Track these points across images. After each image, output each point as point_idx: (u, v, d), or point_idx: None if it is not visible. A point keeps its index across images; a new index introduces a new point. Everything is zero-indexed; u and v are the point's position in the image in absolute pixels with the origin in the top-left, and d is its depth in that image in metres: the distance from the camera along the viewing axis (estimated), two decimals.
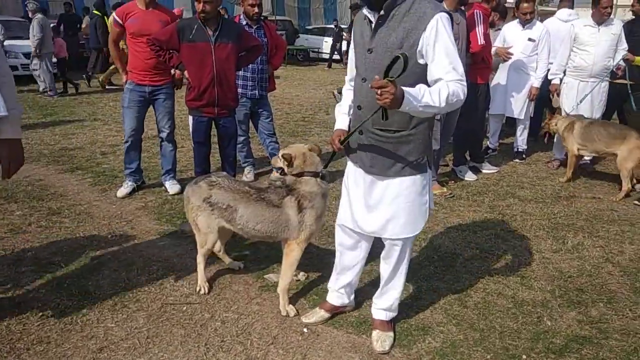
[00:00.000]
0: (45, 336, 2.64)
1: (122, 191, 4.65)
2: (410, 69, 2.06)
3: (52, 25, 10.63)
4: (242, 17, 4.81)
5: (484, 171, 5.69)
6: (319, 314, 2.85)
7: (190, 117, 4.24)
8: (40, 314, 2.82)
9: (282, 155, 2.82)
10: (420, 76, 2.20)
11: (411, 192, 2.42)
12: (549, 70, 5.99)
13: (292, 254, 2.85)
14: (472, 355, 2.58)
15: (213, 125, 4.32)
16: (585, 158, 5.94)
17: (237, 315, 2.88)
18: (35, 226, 3.96)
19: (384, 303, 2.70)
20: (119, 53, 4.74)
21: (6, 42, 11.41)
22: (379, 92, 1.96)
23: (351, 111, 2.54)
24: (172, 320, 2.81)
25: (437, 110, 2.13)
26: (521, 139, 6.33)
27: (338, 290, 2.84)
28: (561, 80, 6.02)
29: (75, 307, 2.90)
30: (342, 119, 2.59)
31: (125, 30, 4.44)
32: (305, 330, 2.75)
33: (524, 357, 2.57)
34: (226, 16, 5.23)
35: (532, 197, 4.90)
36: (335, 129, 2.59)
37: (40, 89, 10.14)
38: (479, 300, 3.08)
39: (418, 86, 2.08)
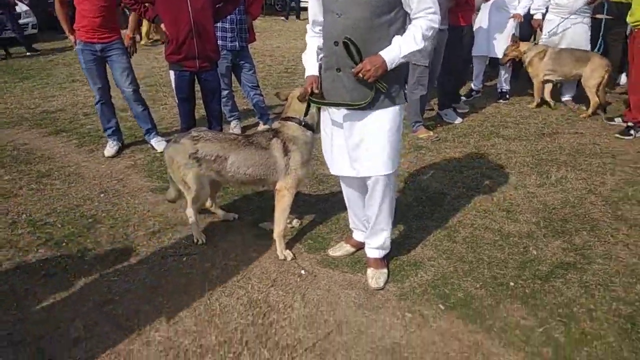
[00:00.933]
0: (50, 293, 2.70)
1: (109, 151, 4.63)
2: None
3: None
4: None
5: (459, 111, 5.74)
6: (345, 248, 2.99)
7: (172, 72, 4.18)
8: (43, 272, 2.88)
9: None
10: (395, 5, 2.32)
11: (392, 126, 2.47)
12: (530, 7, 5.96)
13: (283, 199, 2.94)
14: (462, 284, 2.72)
15: (196, 81, 4.27)
16: (566, 97, 6.03)
17: (236, 263, 2.97)
18: (26, 189, 3.96)
19: (376, 242, 2.79)
20: (65, 12, 4.45)
21: None
22: (361, 74, 2.28)
23: (320, 57, 2.59)
24: (173, 271, 2.90)
25: (421, 49, 2.37)
26: (504, 79, 6.35)
27: (357, 227, 2.97)
28: (544, 15, 6.00)
29: (77, 264, 2.96)
30: (311, 66, 2.62)
31: None
32: (302, 272, 2.86)
33: (512, 284, 2.71)
34: None
35: (516, 136, 4.99)
36: (306, 75, 2.62)
37: None
38: (467, 235, 3.20)
39: (393, 42, 2.32)
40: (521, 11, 5.91)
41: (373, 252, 2.83)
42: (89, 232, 3.31)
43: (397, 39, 2.31)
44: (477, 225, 3.32)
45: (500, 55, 6.13)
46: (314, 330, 2.42)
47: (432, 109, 5.79)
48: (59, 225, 3.40)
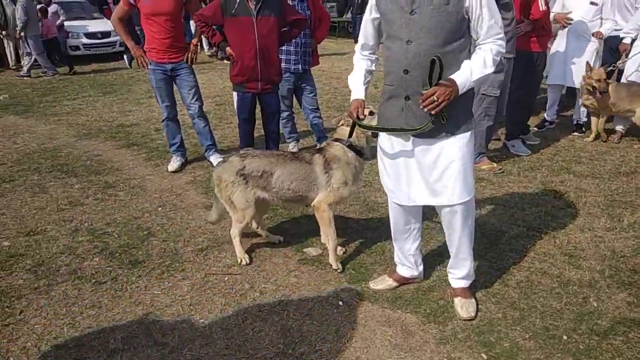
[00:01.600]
0: (98, 301, 2.83)
1: (173, 165, 4.83)
2: (457, 23, 2.24)
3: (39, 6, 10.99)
4: None
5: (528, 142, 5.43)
6: (387, 282, 2.92)
7: (235, 93, 4.32)
8: (94, 280, 3.02)
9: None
10: (464, 31, 2.30)
11: (465, 153, 2.41)
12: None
13: (324, 214, 3.00)
14: (510, 334, 2.52)
15: (257, 102, 4.38)
16: (619, 127, 5.66)
17: (276, 287, 2.96)
18: (92, 199, 4.21)
19: (461, 272, 2.73)
20: (123, 28, 4.64)
21: (67, 23, 11.97)
22: (435, 98, 2.21)
23: (367, 80, 2.62)
24: (214, 290, 2.93)
25: (490, 74, 2.34)
26: (582, 110, 5.96)
27: (402, 262, 2.90)
28: (633, 41, 5.60)
29: (126, 275, 3.08)
30: (359, 89, 2.59)
31: (139, 11, 4.46)
32: (340, 303, 2.79)
33: (565, 337, 2.48)
34: None
35: (589, 173, 4.64)
36: (352, 98, 2.59)
37: (25, 70, 10.39)
38: (521, 279, 2.99)
39: (464, 66, 2.28)
40: (603, 31, 5.56)
41: (459, 282, 2.76)
42: (142, 245, 3.45)
43: (467, 63, 2.29)
44: (534, 269, 3.09)
45: (578, 85, 5.79)
46: None
47: (499, 139, 5.54)
48: (116, 236, 3.57)
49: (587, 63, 5.36)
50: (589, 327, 2.55)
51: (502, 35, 2.31)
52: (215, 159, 4.87)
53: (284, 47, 4.71)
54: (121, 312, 2.73)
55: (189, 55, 4.60)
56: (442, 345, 2.47)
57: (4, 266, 3.18)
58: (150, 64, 4.58)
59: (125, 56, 11.59)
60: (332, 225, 3.04)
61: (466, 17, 2.25)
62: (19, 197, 4.24)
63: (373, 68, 2.68)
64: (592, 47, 5.68)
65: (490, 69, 2.29)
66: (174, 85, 4.74)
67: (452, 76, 2.25)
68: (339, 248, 3.31)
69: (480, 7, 2.23)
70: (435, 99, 2.22)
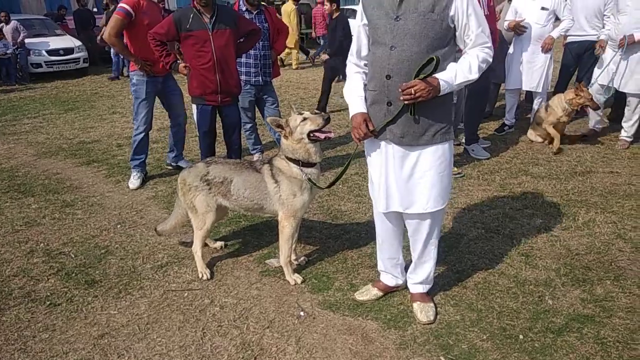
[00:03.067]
0: (52, 324, 2.74)
1: (134, 183, 4.74)
2: (442, 31, 2.24)
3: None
4: (241, 2, 4.78)
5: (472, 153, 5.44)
6: (372, 292, 2.89)
7: (194, 106, 4.28)
8: (48, 302, 2.94)
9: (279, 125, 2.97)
10: (450, 39, 2.29)
11: (442, 162, 2.42)
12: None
13: (284, 230, 3.00)
14: (467, 335, 2.55)
15: (217, 114, 4.35)
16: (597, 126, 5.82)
17: (236, 300, 2.92)
18: (49, 218, 4.09)
19: (420, 277, 2.75)
20: (123, 44, 4.58)
21: (27, 40, 11.73)
22: (412, 90, 2.18)
23: (364, 94, 2.51)
24: (173, 307, 2.88)
25: (473, 80, 2.31)
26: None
27: (387, 271, 2.88)
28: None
29: (82, 296, 3.00)
30: (358, 102, 2.48)
31: (138, 23, 4.37)
32: (302, 313, 2.78)
33: (521, 337, 2.52)
34: (226, 2, 5.17)
35: (546, 174, 4.76)
36: (353, 113, 2.48)
37: None
38: (479, 280, 3.03)
39: (449, 68, 2.26)
40: (555, 34, 5.73)
41: (417, 287, 2.77)
42: (99, 264, 3.37)
43: (453, 66, 2.26)
44: (491, 270, 3.14)
45: (534, 89, 5.96)
46: None
47: (460, 144, 5.64)
48: (73, 256, 3.48)
49: (581, 83, 5.36)
50: (545, 326, 2.60)
51: (489, 44, 2.29)
52: (185, 163, 5.06)
53: (243, 60, 4.71)
54: (76, 334, 2.66)
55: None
56: (401, 350, 2.48)
57: None
58: (143, 76, 4.56)
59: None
60: (289, 241, 3.02)
61: (452, 25, 2.24)
62: None
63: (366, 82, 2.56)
64: (546, 53, 5.85)
65: (475, 75, 2.27)
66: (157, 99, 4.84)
67: (436, 75, 2.22)
68: (302, 258, 3.31)
69: (466, 16, 2.22)
70: (413, 92, 2.19)
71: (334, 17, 7.35)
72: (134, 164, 4.83)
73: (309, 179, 2.90)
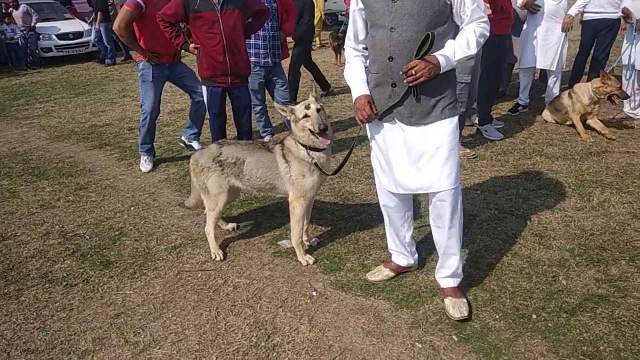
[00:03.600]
0: (69, 303, 2.79)
1: (146, 166, 4.77)
2: (439, 9, 2.23)
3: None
4: None
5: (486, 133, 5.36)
6: (384, 272, 2.89)
7: (204, 88, 4.27)
8: (65, 283, 2.99)
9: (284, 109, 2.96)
10: (447, 16, 2.29)
11: (452, 138, 2.38)
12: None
13: (295, 210, 3.01)
14: (480, 315, 2.55)
15: (228, 96, 4.34)
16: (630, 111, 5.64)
17: (249, 281, 2.95)
18: (63, 201, 4.14)
19: (448, 270, 2.64)
20: (132, 35, 4.52)
21: (38, 25, 11.77)
22: (413, 71, 2.18)
23: (365, 76, 2.48)
24: (187, 287, 2.92)
25: (473, 55, 2.31)
26: (552, 93, 6.03)
27: (398, 250, 2.86)
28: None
29: (98, 276, 3.05)
30: (360, 84, 2.48)
31: (148, 15, 4.34)
32: (314, 293, 2.80)
33: (534, 316, 2.52)
34: None
35: (560, 154, 4.70)
36: (356, 95, 2.47)
37: None
38: (492, 261, 3.02)
39: (447, 45, 2.27)
40: (573, 11, 5.60)
41: (447, 281, 2.66)
42: (114, 245, 3.41)
43: (451, 43, 2.27)
44: (504, 250, 3.13)
45: (548, 67, 5.85)
46: (317, 356, 2.34)
47: (472, 125, 5.58)
48: (88, 237, 3.52)
49: (603, 71, 5.12)
50: (558, 305, 2.59)
51: (486, 19, 2.30)
52: (197, 144, 5.06)
53: (252, 41, 4.67)
54: (92, 314, 2.71)
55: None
56: (413, 329, 2.49)
57: None
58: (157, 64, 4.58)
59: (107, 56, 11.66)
60: (300, 222, 3.03)
61: (448, 2, 2.24)
62: None
63: (367, 65, 2.54)
64: (561, 30, 5.74)
65: (474, 50, 2.27)
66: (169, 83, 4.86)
67: (435, 53, 2.23)
68: (314, 239, 3.32)
69: None
70: (414, 72, 2.20)
71: None
72: (143, 150, 4.85)
73: (315, 164, 2.89)
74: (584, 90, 5.23)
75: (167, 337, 2.49)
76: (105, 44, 11.59)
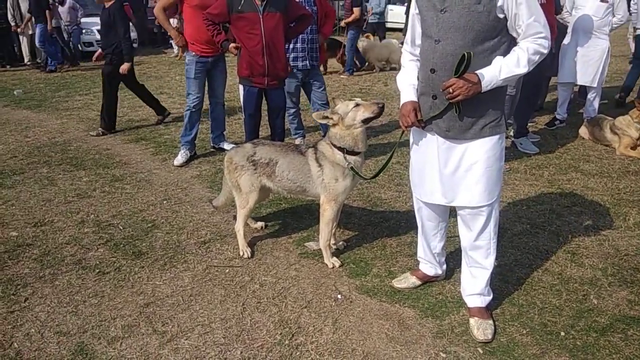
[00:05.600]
0: (100, 290, 2.88)
1: (179, 160, 4.89)
2: (489, 23, 2.13)
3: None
4: None
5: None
6: (410, 280, 2.87)
7: (241, 87, 4.35)
8: (98, 270, 3.07)
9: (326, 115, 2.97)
10: (500, 30, 2.17)
11: (490, 156, 2.31)
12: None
13: (325, 213, 3.03)
14: (507, 329, 2.52)
15: (264, 97, 4.41)
16: None
17: (275, 279, 2.98)
18: (99, 191, 4.27)
19: (476, 286, 2.55)
20: (168, 19, 4.99)
21: (83, 20, 12.15)
22: (450, 89, 2.14)
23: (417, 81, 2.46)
24: (215, 281, 2.97)
25: (522, 74, 2.19)
26: (592, 109, 5.92)
27: (427, 259, 2.83)
28: None
29: (129, 266, 3.13)
30: (409, 90, 2.46)
31: (185, 2, 4.65)
32: (339, 296, 2.81)
33: (562, 334, 2.47)
34: None
35: (597, 172, 4.60)
36: (403, 101, 2.45)
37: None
38: (522, 275, 2.97)
39: (495, 62, 2.16)
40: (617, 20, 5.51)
41: (474, 299, 2.56)
42: (146, 236, 3.49)
43: (498, 60, 2.16)
44: (535, 266, 3.08)
45: (589, 83, 5.73)
46: (340, 358, 2.35)
47: (508, 137, 5.50)
48: (121, 228, 3.62)
49: (637, 99, 4.96)
50: (588, 324, 2.53)
51: (544, 34, 2.14)
52: (227, 145, 5.20)
53: (291, 45, 4.73)
54: (123, 302, 2.78)
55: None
56: (438, 339, 2.47)
57: (12, 255, 3.24)
58: (193, 56, 4.76)
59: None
60: (329, 224, 3.05)
61: (501, 16, 2.12)
62: (29, 189, 4.31)
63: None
64: (604, 45, 5.63)
65: (524, 69, 2.15)
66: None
67: (479, 71, 2.14)
68: (341, 242, 3.33)
69: (516, 5, 2.09)
70: (451, 90, 2.16)
71: (107, 6, 5.67)
72: (184, 141, 4.98)
73: (352, 168, 2.91)
74: (628, 123, 5.07)
75: (194, 329, 2.54)
76: (44, 46, 10.71)
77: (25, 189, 4.31)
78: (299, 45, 4.79)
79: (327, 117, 2.90)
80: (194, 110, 4.93)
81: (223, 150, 5.16)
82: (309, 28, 4.72)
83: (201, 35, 4.59)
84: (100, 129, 5.95)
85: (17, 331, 2.54)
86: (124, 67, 5.71)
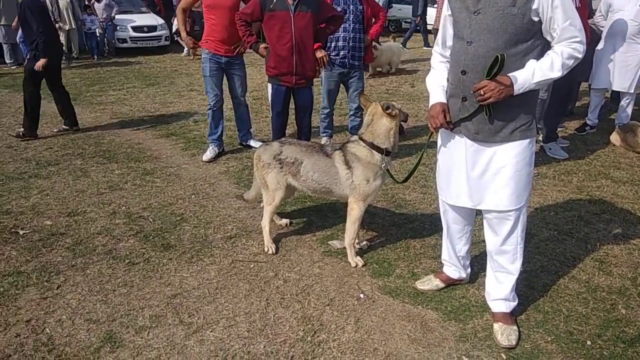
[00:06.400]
0: (130, 280, 2.96)
1: (207, 155, 4.97)
2: (523, 26, 2.12)
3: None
4: None
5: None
6: (434, 282, 2.86)
7: (269, 86, 4.40)
8: (127, 261, 3.16)
9: (363, 103, 3.10)
10: (534, 33, 2.16)
11: (519, 160, 2.29)
12: None
13: (352, 212, 3.05)
14: (532, 335, 2.50)
15: (292, 96, 4.44)
16: None
17: (299, 276, 3.02)
18: (130, 184, 4.38)
19: (501, 291, 2.52)
20: (184, 17, 5.05)
21: (117, 17, 12.44)
22: (482, 92, 2.13)
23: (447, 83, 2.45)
24: (240, 276, 3.02)
25: (556, 78, 2.19)
26: (624, 115, 5.78)
27: (451, 262, 2.82)
28: None
29: (158, 257, 3.21)
30: (438, 92, 2.46)
31: (201, 2, 4.74)
32: (362, 295, 2.82)
33: (589, 343, 2.43)
34: None
35: (627, 179, 4.49)
36: (432, 102, 2.46)
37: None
38: (548, 282, 2.94)
39: (528, 65, 2.15)
40: None
41: (499, 304, 2.54)
42: (175, 229, 3.57)
43: (531, 63, 2.15)
44: (562, 273, 3.04)
45: (625, 89, 5.59)
46: (361, 358, 2.37)
47: (537, 142, 5.42)
48: (151, 220, 3.71)
49: None
50: (615, 334, 2.49)
51: (579, 39, 2.12)
52: (254, 142, 5.24)
53: (333, 43, 4.74)
54: (151, 292, 2.86)
55: (239, 48, 4.79)
56: (461, 342, 2.46)
57: (45, 244, 3.36)
58: (207, 53, 4.79)
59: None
60: (355, 224, 3.07)
61: (536, 19, 2.11)
62: (63, 180, 4.46)
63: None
64: None
65: (557, 73, 2.12)
66: (224, 77, 4.99)
67: (512, 74, 2.13)
68: (365, 242, 3.35)
69: (551, 8, 2.07)
70: (482, 93, 2.15)
71: (19, 0, 5.58)
72: (211, 138, 5.07)
73: (387, 170, 2.96)
74: None
75: (219, 322, 2.60)
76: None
77: (60, 180, 4.46)
78: (340, 43, 4.77)
79: (389, 108, 2.89)
80: (214, 109, 4.96)
81: (250, 147, 5.23)
82: (352, 26, 4.72)
83: (214, 33, 4.69)
84: (21, 129, 5.65)
85: (49, 317, 2.64)
86: (39, 64, 5.38)
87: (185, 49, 12.06)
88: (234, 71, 4.94)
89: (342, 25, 4.66)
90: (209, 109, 5.00)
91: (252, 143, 5.29)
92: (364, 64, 5.15)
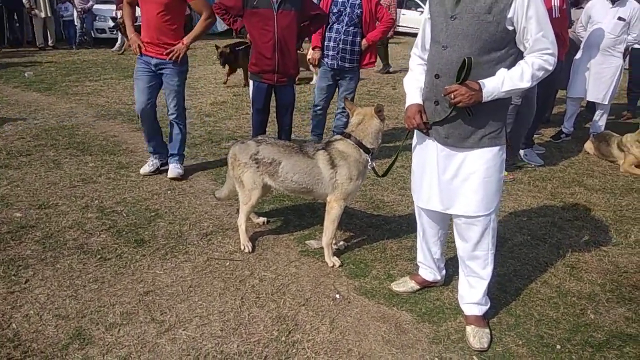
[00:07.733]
0: (101, 276, 2.89)
1: (145, 169, 4.37)
2: (497, 34, 2.14)
3: None
4: None
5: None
6: (409, 284, 2.87)
7: (251, 82, 4.36)
8: (99, 256, 3.09)
9: (348, 107, 3.15)
10: (508, 42, 2.18)
11: (489, 167, 2.31)
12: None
13: (332, 211, 3.04)
14: (503, 338, 2.53)
15: (273, 94, 4.41)
16: None
17: (275, 275, 2.99)
18: (104, 177, 4.29)
19: (473, 295, 2.55)
20: (130, 12, 4.30)
21: (96, 7, 12.20)
22: (452, 95, 2.15)
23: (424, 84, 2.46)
24: (215, 274, 2.98)
25: (525, 89, 2.22)
26: (599, 124, 5.92)
27: (427, 264, 2.84)
28: None
29: (131, 253, 3.15)
30: (415, 93, 2.47)
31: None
32: (337, 296, 2.82)
33: (558, 347, 2.48)
34: None
35: (600, 187, 4.60)
36: (409, 103, 2.47)
37: None
38: (520, 286, 2.98)
39: (498, 73, 2.17)
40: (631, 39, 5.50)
41: (471, 308, 2.57)
42: (149, 225, 3.51)
43: (502, 72, 2.17)
44: (534, 277, 3.08)
45: (600, 100, 5.72)
46: (335, 358, 2.36)
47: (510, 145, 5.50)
48: (125, 215, 3.64)
49: None
50: (584, 339, 2.54)
51: (550, 51, 2.14)
52: (172, 167, 4.31)
53: (326, 43, 4.72)
54: (123, 288, 2.80)
55: (174, 53, 4.02)
56: (434, 344, 2.48)
57: (14, 236, 3.26)
58: (137, 55, 4.16)
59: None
60: (334, 222, 3.07)
61: (510, 28, 2.13)
62: (34, 171, 4.34)
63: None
64: (617, 63, 5.63)
65: (527, 84, 2.15)
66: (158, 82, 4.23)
67: (481, 80, 2.15)
68: (341, 242, 3.35)
69: (526, 18, 2.09)
70: (453, 97, 2.18)
71: None
72: (147, 150, 4.46)
73: (373, 168, 2.99)
74: (632, 141, 5.09)
75: (192, 320, 2.56)
76: None
77: (31, 171, 4.34)
78: (331, 43, 4.74)
79: (382, 111, 2.97)
80: (141, 117, 4.25)
81: (162, 172, 4.41)
82: (345, 28, 4.67)
83: (143, 32, 4.07)
84: None
85: (16, 312, 2.56)
86: None
87: (118, 43, 11.71)
88: (164, 77, 4.14)
89: (334, 27, 4.66)
90: (137, 115, 4.31)
91: (171, 167, 4.32)
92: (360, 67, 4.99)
